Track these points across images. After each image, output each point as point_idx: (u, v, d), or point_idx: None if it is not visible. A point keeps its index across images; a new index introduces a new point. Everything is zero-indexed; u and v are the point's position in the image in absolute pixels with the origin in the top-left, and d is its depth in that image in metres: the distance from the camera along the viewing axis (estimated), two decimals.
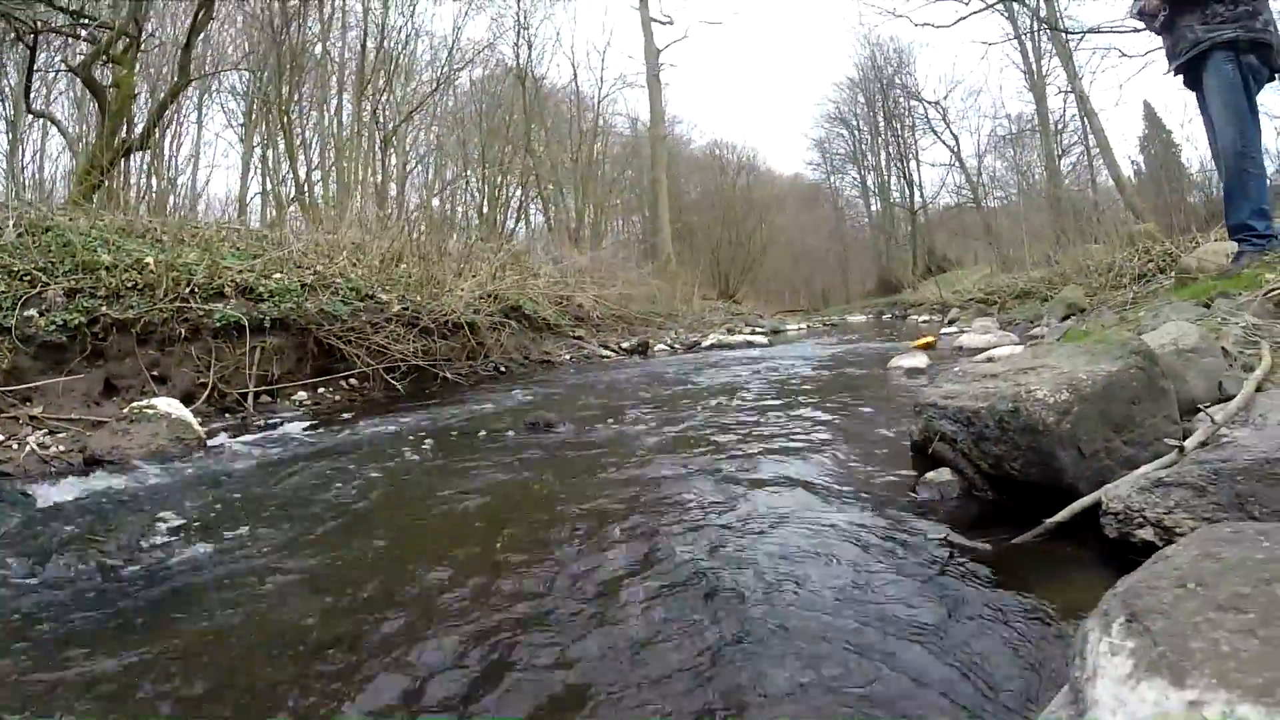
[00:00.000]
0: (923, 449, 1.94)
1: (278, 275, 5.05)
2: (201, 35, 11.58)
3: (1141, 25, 4.67)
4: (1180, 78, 4.43)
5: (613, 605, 1.32)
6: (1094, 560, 1.29)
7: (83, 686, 1.11)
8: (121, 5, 8.98)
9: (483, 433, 3.12)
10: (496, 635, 1.21)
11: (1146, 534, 1.21)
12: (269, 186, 16.69)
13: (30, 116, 13.31)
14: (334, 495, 2.24)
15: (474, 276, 6.64)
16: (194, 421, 3.12)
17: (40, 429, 3.49)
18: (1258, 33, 3.94)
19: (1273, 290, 2.95)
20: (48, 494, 2.41)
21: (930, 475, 1.84)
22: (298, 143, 15.71)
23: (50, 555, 1.79)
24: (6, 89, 14.10)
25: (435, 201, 17.91)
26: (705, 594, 1.32)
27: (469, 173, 19.96)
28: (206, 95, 18.52)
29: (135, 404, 3.17)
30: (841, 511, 1.75)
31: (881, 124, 33.77)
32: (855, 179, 37.38)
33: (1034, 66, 22.92)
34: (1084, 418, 1.49)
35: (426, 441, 2.96)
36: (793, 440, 2.63)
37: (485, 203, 20.08)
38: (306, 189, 15.51)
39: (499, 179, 20.23)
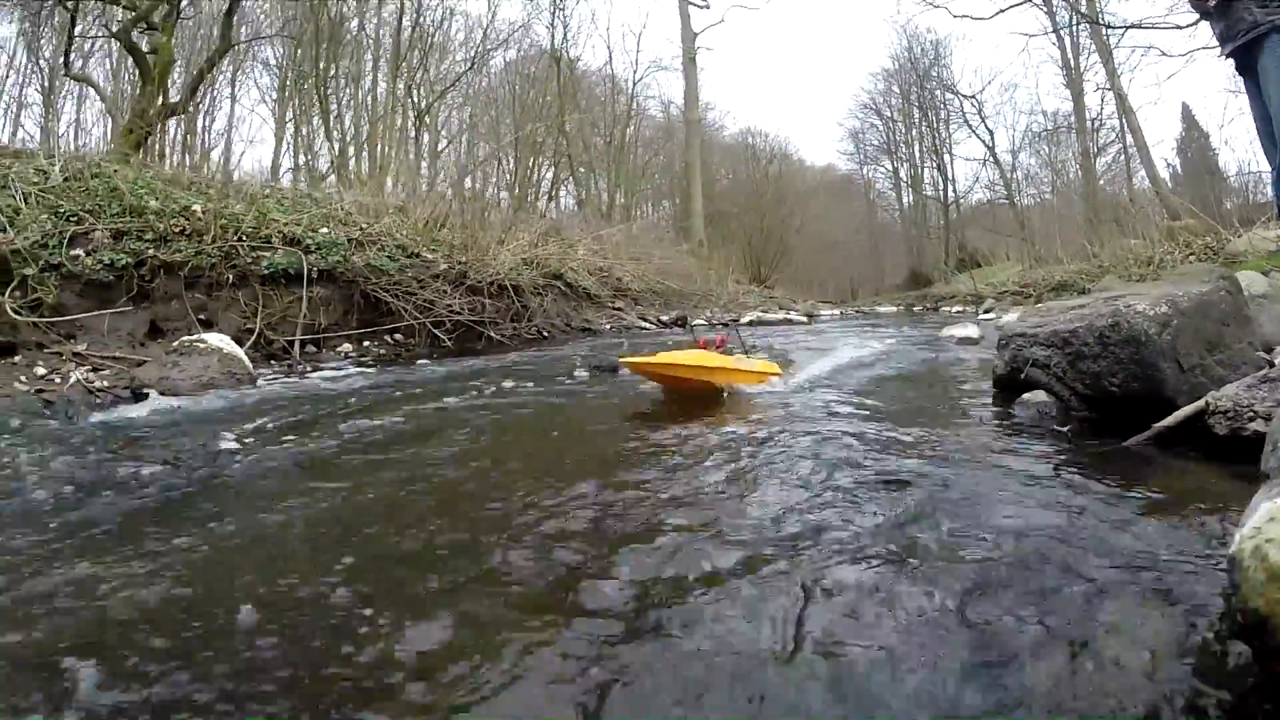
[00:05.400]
0: (1009, 381, 1.92)
1: (324, 230, 4.93)
2: (241, 3, 11.51)
3: (1190, 10, 4.53)
4: (1232, 62, 4.30)
5: (752, 503, 1.29)
6: (1202, 459, 1.35)
7: (101, 580, 1.03)
8: None
9: (547, 376, 2.97)
10: (586, 548, 1.13)
11: (1258, 425, 1.26)
12: (302, 161, 16.67)
13: (67, 85, 13.34)
14: (402, 417, 2.09)
15: (516, 241, 6.49)
16: (245, 356, 3.00)
17: (84, 365, 3.40)
18: None
19: None
20: (95, 417, 2.30)
21: (1027, 396, 1.83)
22: (333, 117, 15.65)
23: (91, 464, 1.67)
24: (41, 62, 14.20)
25: (468, 181, 17.78)
26: (862, 500, 1.28)
27: (500, 152, 19.82)
28: (240, 71, 18.57)
29: (184, 338, 3.04)
30: (952, 433, 1.71)
31: (916, 116, 33.05)
32: (888, 170, 36.66)
33: (1072, 62, 22.09)
34: (1182, 331, 1.58)
35: (493, 380, 2.81)
36: (874, 387, 2.54)
37: (517, 183, 19.94)
38: (339, 164, 15.44)
39: (531, 159, 20.06)
